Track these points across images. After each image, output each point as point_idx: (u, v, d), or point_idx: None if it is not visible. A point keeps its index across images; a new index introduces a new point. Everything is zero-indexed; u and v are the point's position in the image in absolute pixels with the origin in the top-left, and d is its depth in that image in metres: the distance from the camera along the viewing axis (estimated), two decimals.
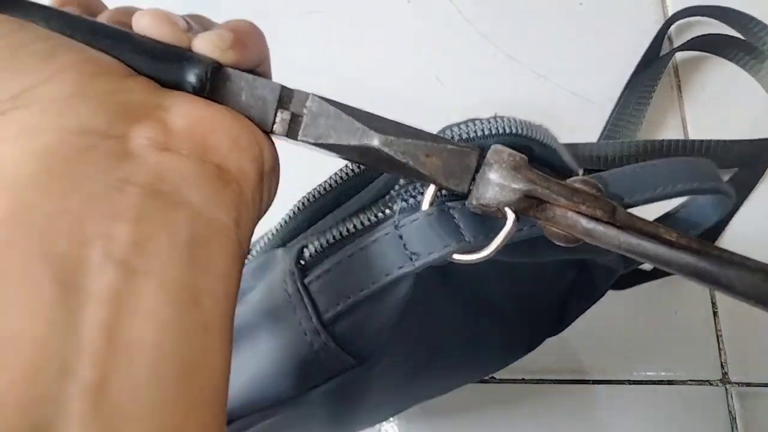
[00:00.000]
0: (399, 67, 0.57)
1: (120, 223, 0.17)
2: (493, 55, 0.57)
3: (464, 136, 0.25)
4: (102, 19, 0.23)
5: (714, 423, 0.47)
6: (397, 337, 0.28)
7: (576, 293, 0.38)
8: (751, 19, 0.53)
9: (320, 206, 0.30)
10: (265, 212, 0.24)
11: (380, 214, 0.26)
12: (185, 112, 0.21)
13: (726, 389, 0.48)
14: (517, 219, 0.23)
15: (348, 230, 0.26)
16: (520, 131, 0.25)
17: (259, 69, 0.25)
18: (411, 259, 0.24)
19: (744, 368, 0.49)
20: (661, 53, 0.56)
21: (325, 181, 0.30)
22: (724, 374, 0.49)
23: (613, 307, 0.46)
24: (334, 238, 0.27)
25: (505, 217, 0.23)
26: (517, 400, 0.48)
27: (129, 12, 0.23)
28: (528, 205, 0.22)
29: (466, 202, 0.23)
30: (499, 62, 0.57)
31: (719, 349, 0.50)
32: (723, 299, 0.51)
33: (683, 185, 0.26)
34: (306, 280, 0.26)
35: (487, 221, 0.24)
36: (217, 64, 0.22)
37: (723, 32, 0.55)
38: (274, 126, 0.23)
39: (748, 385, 0.49)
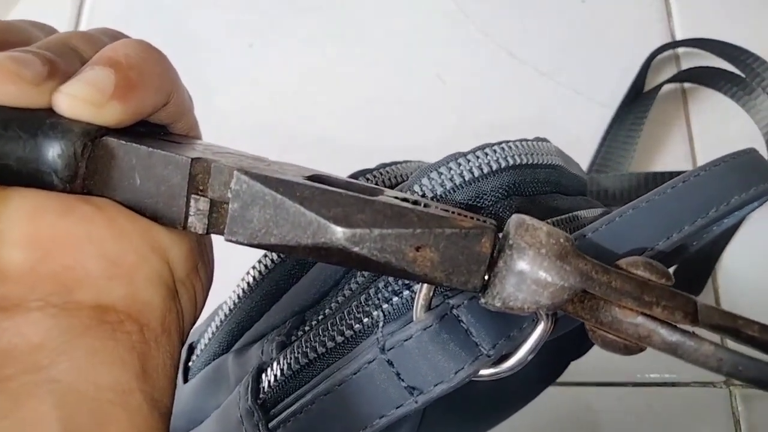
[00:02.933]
0: (400, 65, 0.56)
1: None
2: (494, 53, 0.57)
3: (468, 175, 0.20)
4: None
5: (718, 425, 0.46)
6: None
7: None
8: (743, 51, 0.52)
9: (272, 285, 0.24)
10: (195, 320, 0.18)
11: (357, 325, 0.20)
12: (27, 235, 0.14)
13: (730, 391, 0.47)
14: (555, 321, 0.17)
15: (315, 351, 0.20)
16: (527, 161, 0.22)
17: (166, 115, 0.17)
18: (411, 395, 0.18)
19: None
20: (660, 80, 0.56)
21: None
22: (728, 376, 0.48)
23: None
24: (298, 362, 0.20)
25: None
26: None
27: None
28: (570, 299, 0.16)
29: (482, 301, 0.17)
30: (500, 60, 0.56)
31: None
32: (727, 300, 0.50)
33: (739, 196, 0.21)
34: (270, 425, 0.19)
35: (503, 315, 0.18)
36: (95, 134, 0.15)
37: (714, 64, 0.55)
38: (188, 221, 0.16)
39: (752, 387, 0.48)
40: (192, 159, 0.16)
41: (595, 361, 0.45)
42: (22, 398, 0.13)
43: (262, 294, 0.25)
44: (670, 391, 0.47)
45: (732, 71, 0.53)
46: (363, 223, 0.15)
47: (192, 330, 0.28)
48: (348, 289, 0.22)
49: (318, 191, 0.15)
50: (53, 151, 0.15)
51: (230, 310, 0.25)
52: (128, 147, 0.15)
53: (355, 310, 0.20)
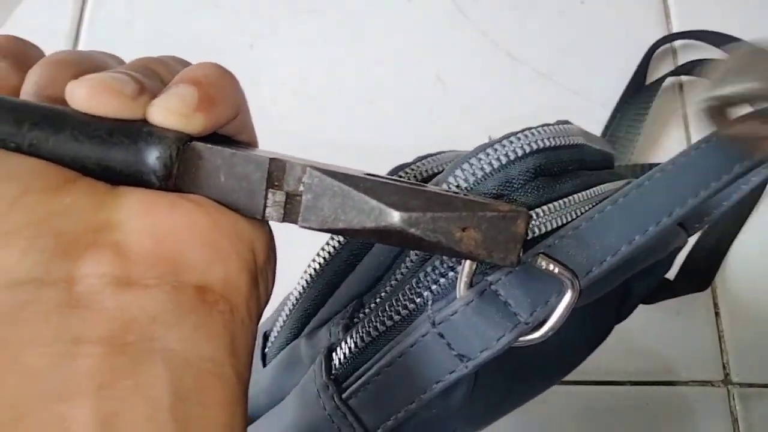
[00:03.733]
0: (400, 66, 0.56)
1: (77, 402, 0.14)
2: (494, 53, 0.57)
3: (496, 163, 0.23)
4: (28, 89, 0.18)
5: (716, 424, 0.47)
6: (467, 413, 0.25)
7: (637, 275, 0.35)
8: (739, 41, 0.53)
9: (332, 274, 0.27)
10: (265, 306, 0.20)
11: (410, 305, 0.23)
12: (144, 226, 0.16)
13: (728, 390, 0.48)
14: (578, 280, 0.20)
15: (377, 330, 0.23)
16: (550, 144, 0.24)
17: (233, 127, 0.20)
18: (461, 361, 0.21)
19: (746, 369, 0.48)
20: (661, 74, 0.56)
21: (330, 242, 0.27)
22: (726, 375, 0.48)
23: None
24: (363, 340, 0.23)
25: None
26: None
27: (61, 77, 0.18)
28: None
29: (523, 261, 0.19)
30: (500, 61, 0.57)
31: (721, 349, 0.49)
32: (725, 300, 0.50)
33: (728, 174, 0.22)
34: (344, 396, 0.23)
35: (537, 283, 0.21)
36: (185, 139, 0.18)
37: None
38: (266, 212, 0.18)
39: (750, 386, 0.48)
40: (270, 158, 0.18)
41: (595, 361, 0.46)
42: (141, 361, 0.15)
43: (323, 283, 0.28)
44: (669, 390, 0.48)
45: None
46: (417, 208, 0.18)
47: (263, 321, 0.32)
48: (399, 273, 0.25)
49: (378, 182, 0.18)
50: (153, 155, 0.17)
51: (297, 299, 0.28)
52: (214, 150, 0.18)
53: (408, 292, 0.23)
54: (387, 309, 0.23)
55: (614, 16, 0.58)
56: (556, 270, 0.20)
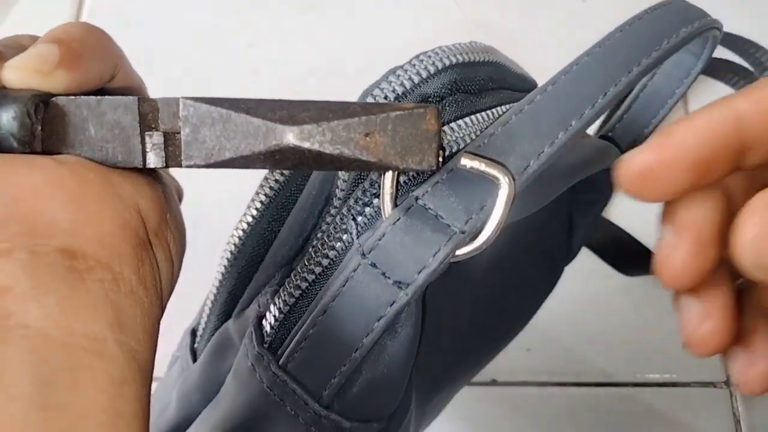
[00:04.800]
0: (397, 64, 0.56)
1: None
2: None
3: (408, 83, 0.21)
4: None
5: (718, 425, 0.46)
6: (423, 358, 0.23)
7: (577, 206, 0.34)
8: (753, 44, 0.52)
9: (253, 247, 0.24)
10: (176, 278, 0.19)
11: (337, 244, 0.20)
12: None
13: (730, 392, 0.47)
14: (511, 174, 0.18)
15: (306, 281, 0.20)
16: (464, 59, 0.22)
17: (114, 84, 0.18)
18: (400, 288, 0.18)
19: None
20: None
21: (246, 213, 0.24)
22: (729, 376, 0.47)
23: (616, 309, 0.47)
24: (292, 296, 0.20)
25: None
26: (519, 403, 0.47)
27: None
28: None
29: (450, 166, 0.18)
30: None
31: None
32: None
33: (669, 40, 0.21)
34: (281, 362, 0.20)
35: (468, 188, 0.19)
36: (43, 96, 0.16)
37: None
38: (146, 158, 0.17)
39: None
40: (138, 98, 0.16)
41: (595, 361, 0.48)
42: None
43: (246, 259, 0.25)
44: (670, 391, 0.47)
45: (739, 63, 0.53)
46: (309, 120, 0.16)
47: (193, 319, 0.29)
48: (322, 230, 0.23)
49: (261, 101, 0.16)
50: (7, 115, 0.16)
51: (220, 282, 0.25)
52: (77, 101, 0.16)
53: (333, 231, 0.20)
54: (313, 256, 0.20)
55: (615, 16, 0.58)
56: (485, 168, 0.18)
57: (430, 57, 0.22)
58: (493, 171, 0.18)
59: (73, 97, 0.16)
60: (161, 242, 0.17)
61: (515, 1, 0.58)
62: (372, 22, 0.58)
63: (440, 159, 0.17)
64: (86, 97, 0.17)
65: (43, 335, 0.13)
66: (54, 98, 0.16)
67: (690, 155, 0.15)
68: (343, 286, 0.19)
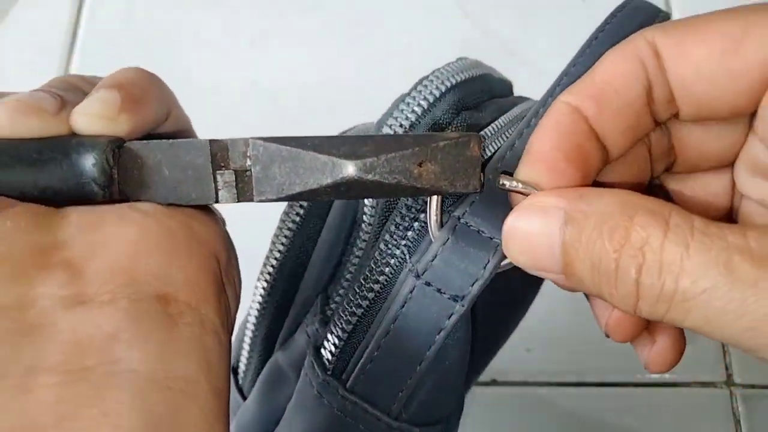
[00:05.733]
0: (400, 65, 0.54)
1: None
2: (494, 52, 0.57)
3: (419, 109, 0.23)
4: None
5: (718, 425, 0.46)
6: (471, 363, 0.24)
7: None
8: None
9: (284, 284, 0.26)
10: (236, 312, 0.19)
11: (386, 269, 0.21)
12: (93, 241, 0.15)
13: (730, 391, 0.47)
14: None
15: (360, 307, 0.22)
16: (461, 78, 0.24)
17: (169, 127, 0.19)
18: (456, 301, 0.20)
19: (748, 370, 0.48)
20: None
21: (272, 249, 0.26)
22: (729, 376, 0.48)
23: None
24: (349, 323, 0.22)
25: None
26: (519, 403, 0.47)
27: None
28: None
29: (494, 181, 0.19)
30: (501, 59, 0.57)
31: (723, 351, 0.48)
32: None
33: None
34: (348, 386, 0.21)
35: (501, 205, 0.20)
36: (118, 142, 0.17)
37: None
38: (219, 195, 0.18)
39: (753, 387, 0.47)
40: (209, 139, 0.17)
41: (596, 361, 0.48)
42: (104, 387, 0.14)
43: (279, 294, 0.26)
44: (671, 391, 0.47)
45: None
46: (370, 154, 0.17)
47: None
48: (355, 255, 0.24)
49: (324, 138, 0.18)
50: (88, 162, 0.17)
51: (257, 320, 0.26)
52: (150, 145, 0.17)
53: (379, 258, 0.22)
54: (363, 283, 0.22)
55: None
56: (520, 186, 0.20)
57: (432, 81, 0.24)
58: (525, 189, 0.20)
59: (146, 142, 0.17)
60: (230, 280, 0.18)
61: (517, 3, 0.59)
62: (375, 25, 0.58)
63: (482, 180, 0.19)
64: (158, 141, 0.18)
65: (147, 379, 0.14)
66: (128, 143, 0.17)
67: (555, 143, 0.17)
68: (403, 307, 0.20)
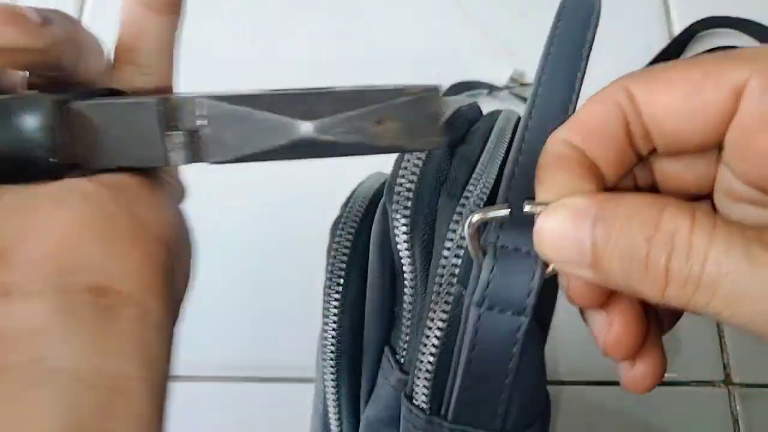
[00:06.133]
0: (400, 65, 0.56)
1: None
2: (494, 53, 0.57)
3: (419, 162, 0.25)
4: None
5: (716, 424, 0.46)
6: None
7: None
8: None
9: (348, 344, 0.28)
10: (184, 298, 0.18)
11: (447, 307, 0.24)
12: (22, 225, 0.14)
13: (729, 390, 0.47)
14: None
15: (435, 347, 0.24)
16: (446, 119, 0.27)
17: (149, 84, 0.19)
18: (520, 315, 0.23)
19: (747, 369, 0.48)
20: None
21: (327, 318, 0.27)
22: (727, 375, 0.48)
23: None
24: (431, 363, 0.24)
25: None
26: None
27: None
28: None
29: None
30: (500, 59, 0.57)
31: (722, 350, 0.49)
32: None
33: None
34: (449, 418, 0.24)
35: (527, 224, 0.23)
36: (61, 100, 0.16)
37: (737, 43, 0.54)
38: (169, 156, 0.17)
39: (751, 386, 0.47)
40: (157, 98, 0.17)
41: (595, 361, 0.46)
42: (26, 386, 0.13)
43: (347, 361, 0.28)
44: (669, 390, 0.47)
45: None
46: (327, 112, 0.17)
47: None
48: (408, 302, 0.27)
49: (279, 96, 0.17)
50: (31, 124, 0.16)
51: (335, 389, 0.29)
52: (96, 104, 0.17)
53: (439, 299, 0.24)
54: (428, 325, 0.24)
55: (614, 16, 0.56)
56: (538, 208, 0.22)
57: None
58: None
59: (91, 102, 0.16)
60: (181, 266, 0.17)
61: (517, 3, 0.59)
62: (376, 26, 0.59)
63: (443, 135, 0.19)
64: (105, 100, 0.17)
65: (75, 378, 0.13)
66: (72, 102, 0.16)
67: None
68: (475, 335, 0.23)
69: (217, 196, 0.47)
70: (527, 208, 0.22)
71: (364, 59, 0.57)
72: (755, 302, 0.15)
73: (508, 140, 0.28)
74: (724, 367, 0.48)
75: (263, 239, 0.51)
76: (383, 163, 0.27)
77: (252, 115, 0.17)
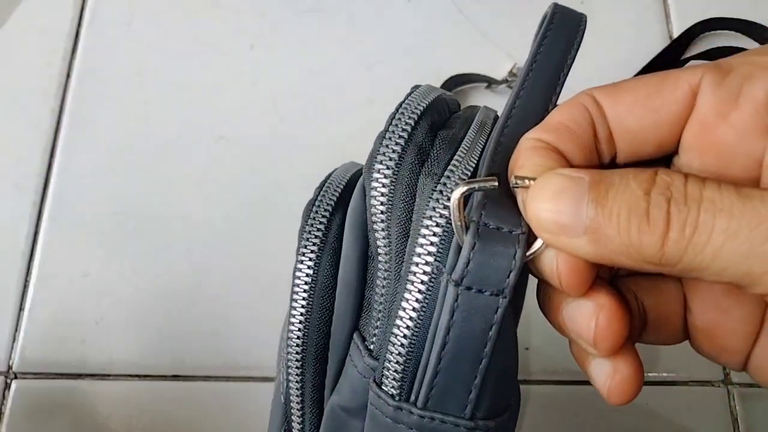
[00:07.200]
0: (399, 66, 0.57)
1: None
2: (494, 53, 0.58)
3: (402, 141, 0.25)
4: None
5: (716, 424, 0.47)
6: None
7: None
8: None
9: (316, 333, 0.27)
10: None
11: (423, 287, 0.23)
12: None
13: (728, 390, 0.47)
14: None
15: (408, 328, 0.23)
16: (425, 104, 0.26)
17: None
18: (499, 296, 0.22)
19: None
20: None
21: (294, 306, 0.27)
22: (726, 375, 0.48)
23: None
24: (403, 346, 0.23)
25: None
26: None
27: None
28: None
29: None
30: (500, 61, 0.57)
31: None
32: None
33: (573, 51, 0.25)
34: (419, 404, 0.22)
35: (510, 202, 0.22)
36: None
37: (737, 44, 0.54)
38: None
39: (750, 386, 0.48)
40: None
41: None
42: None
43: (314, 347, 0.27)
44: (668, 390, 0.47)
45: None
46: None
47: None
48: (381, 286, 0.26)
49: None
50: None
51: (300, 379, 0.27)
52: None
53: (415, 278, 0.23)
54: (402, 307, 0.23)
55: (613, 16, 0.58)
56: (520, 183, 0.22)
57: (404, 113, 0.26)
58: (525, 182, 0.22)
59: None
60: None
61: (515, 4, 0.60)
62: (375, 27, 0.59)
63: None
64: None
65: None
66: None
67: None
68: (452, 316, 0.22)
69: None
70: (514, 181, 0.21)
71: (363, 60, 0.58)
72: (751, 234, 0.16)
73: (488, 134, 0.27)
74: (724, 367, 0.48)
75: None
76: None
77: None
